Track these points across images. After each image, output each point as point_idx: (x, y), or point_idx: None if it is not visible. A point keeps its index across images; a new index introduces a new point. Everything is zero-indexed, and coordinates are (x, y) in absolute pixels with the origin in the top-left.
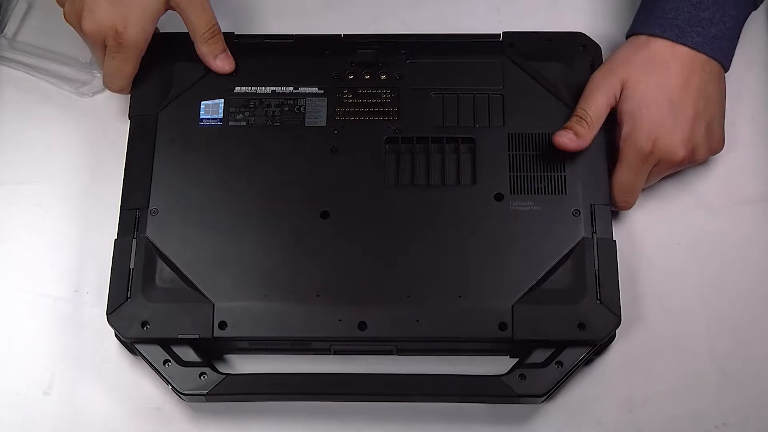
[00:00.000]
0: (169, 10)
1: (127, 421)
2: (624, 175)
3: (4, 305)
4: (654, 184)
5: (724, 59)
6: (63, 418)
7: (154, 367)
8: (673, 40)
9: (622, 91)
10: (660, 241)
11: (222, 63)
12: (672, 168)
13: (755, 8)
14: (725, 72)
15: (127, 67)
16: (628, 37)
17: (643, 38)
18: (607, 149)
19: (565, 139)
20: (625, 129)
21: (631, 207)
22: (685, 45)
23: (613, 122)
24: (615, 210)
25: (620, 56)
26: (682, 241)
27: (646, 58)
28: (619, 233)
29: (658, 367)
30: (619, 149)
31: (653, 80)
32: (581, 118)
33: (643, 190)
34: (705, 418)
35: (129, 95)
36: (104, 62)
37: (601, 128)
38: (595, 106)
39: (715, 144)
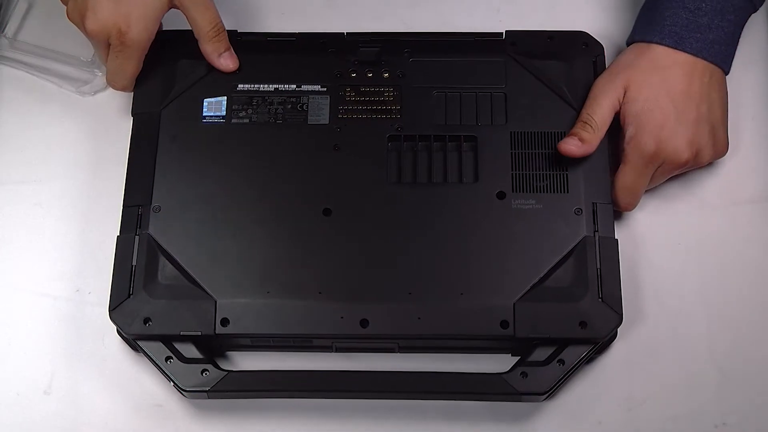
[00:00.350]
0: (172, 9)
1: (129, 419)
2: (627, 176)
3: (5, 305)
4: (656, 186)
5: (723, 63)
6: (64, 418)
7: (156, 364)
8: (672, 47)
9: (625, 93)
10: (660, 241)
11: (226, 61)
12: (675, 170)
13: (755, 11)
14: (726, 75)
15: (131, 65)
16: (628, 44)
17: (643, 45)
18: (609, 150)
19: (571, 146)
20: (629, 131)
21: (633, 208)
22: (684, 51)
23: (615, 124)
24: (617, 210)
25: (622, 61)
26: (682, 241)
27: (649, 63)
28: (619, 233)
29: (658, 367)
30: (622, 151)
31: (656, 83)
32: (586, 123)
33: (646, 191)
34: (705, 418)
35: (131, 93)
36: (107, 61)
37: None
38: (599, 110)
39: (720, 148)
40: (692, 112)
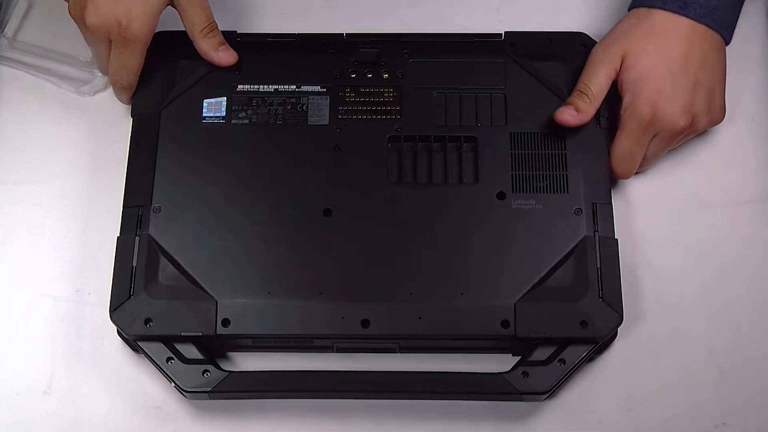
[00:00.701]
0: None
1: (129, 420)
2: (624, 143)
3: (4, 305)
4: (659, 160)
5: (725, 31)
6: (63, 418)
7: (157, 365)
8: (675, 12)
9: (622, 62)
10: (660, 241)
11: (224, 55)
12: (674, 138)
13: None
14: (726, 44)
15: (134, 61)
16: (630, 9)
17: (644, 10)
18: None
19: (566, 115)
20: (626, 98)
21: (629, 177)
22: (687, 16)
23: (615, 95)
24: (614, 179)
25: (620, 28)
26: (682, 241)
27: (647, 29)
28: (619, 233)
29: (658, 367)
30: (620, 118)
31: (654, 50)
32: (582, 92)
33: (649, 165)
34: (705, 418)
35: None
36: (110, 59)
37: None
38: (596, 80)
39: (716, 113)
40: (690, 77)
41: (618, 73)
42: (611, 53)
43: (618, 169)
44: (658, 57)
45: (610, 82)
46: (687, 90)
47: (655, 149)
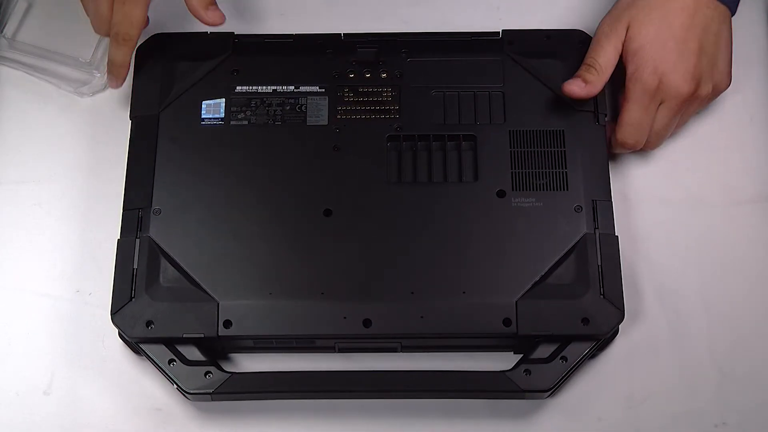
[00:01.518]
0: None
1: (129, 421)
2: (631, 113)
3: (4, 305)
4: (668, 135)
5: (729, 2)
6: (63, 418)
7: (159, 367)
8: None
9: (627, 32)
10: (661, 241)
11: (213, 14)
12: (680, 105)
13: None
14: (732, 14)
15: (138, 12)
16: None
17: None
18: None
19: (574, 86)
20: (630, 68)
21: (639, 147)
22: None
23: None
24: (623, 152)
25: (625, 1)
26: (682, 241)
27: (652, 0)
28: (620, 233)
29: (658, 366)
30: (626, 89)
31: (657, 19)
32: (590, 65)
33: (659, 139)
34: (705, 418)
35: (130, 94)
36: (113, 11)
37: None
38: (603, 53)
39: (719, 79)
40: (693, 43)
41: (623, 45)
42: (617, 26)
43: (629, 140)
44: (661, 26)
45: (617, 55)
46: (690, 56)
47: (663, 120)
